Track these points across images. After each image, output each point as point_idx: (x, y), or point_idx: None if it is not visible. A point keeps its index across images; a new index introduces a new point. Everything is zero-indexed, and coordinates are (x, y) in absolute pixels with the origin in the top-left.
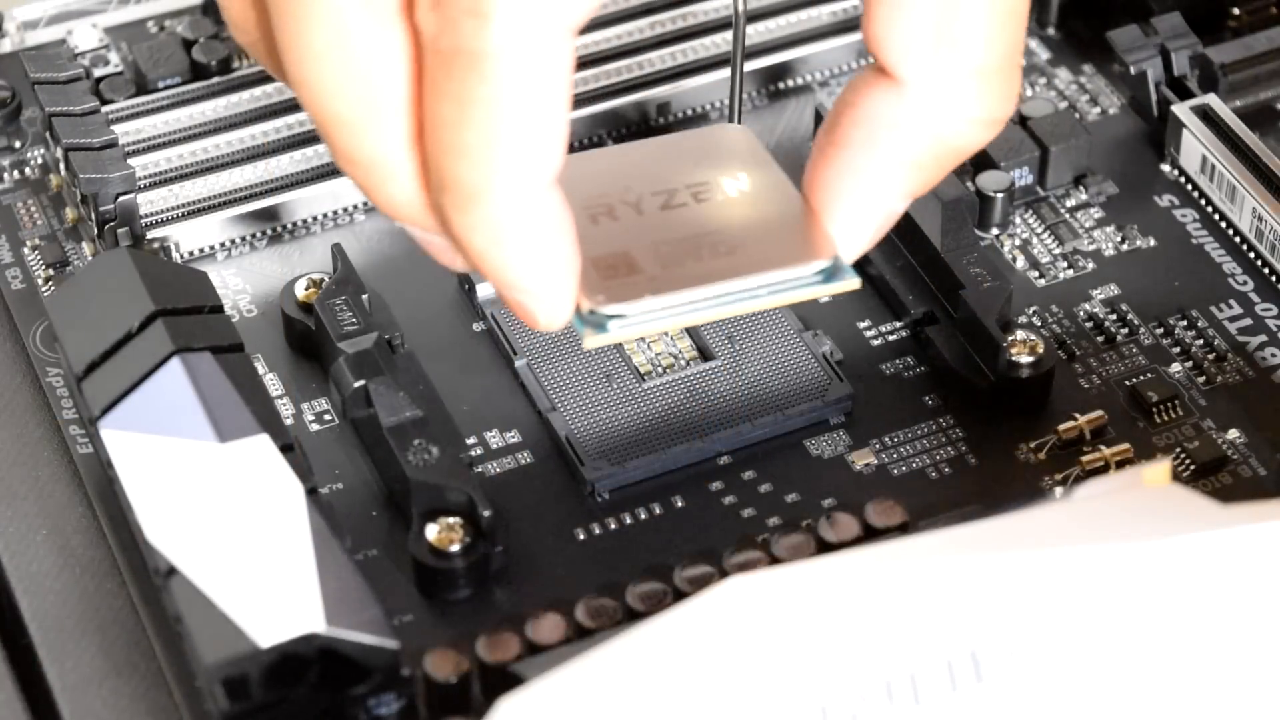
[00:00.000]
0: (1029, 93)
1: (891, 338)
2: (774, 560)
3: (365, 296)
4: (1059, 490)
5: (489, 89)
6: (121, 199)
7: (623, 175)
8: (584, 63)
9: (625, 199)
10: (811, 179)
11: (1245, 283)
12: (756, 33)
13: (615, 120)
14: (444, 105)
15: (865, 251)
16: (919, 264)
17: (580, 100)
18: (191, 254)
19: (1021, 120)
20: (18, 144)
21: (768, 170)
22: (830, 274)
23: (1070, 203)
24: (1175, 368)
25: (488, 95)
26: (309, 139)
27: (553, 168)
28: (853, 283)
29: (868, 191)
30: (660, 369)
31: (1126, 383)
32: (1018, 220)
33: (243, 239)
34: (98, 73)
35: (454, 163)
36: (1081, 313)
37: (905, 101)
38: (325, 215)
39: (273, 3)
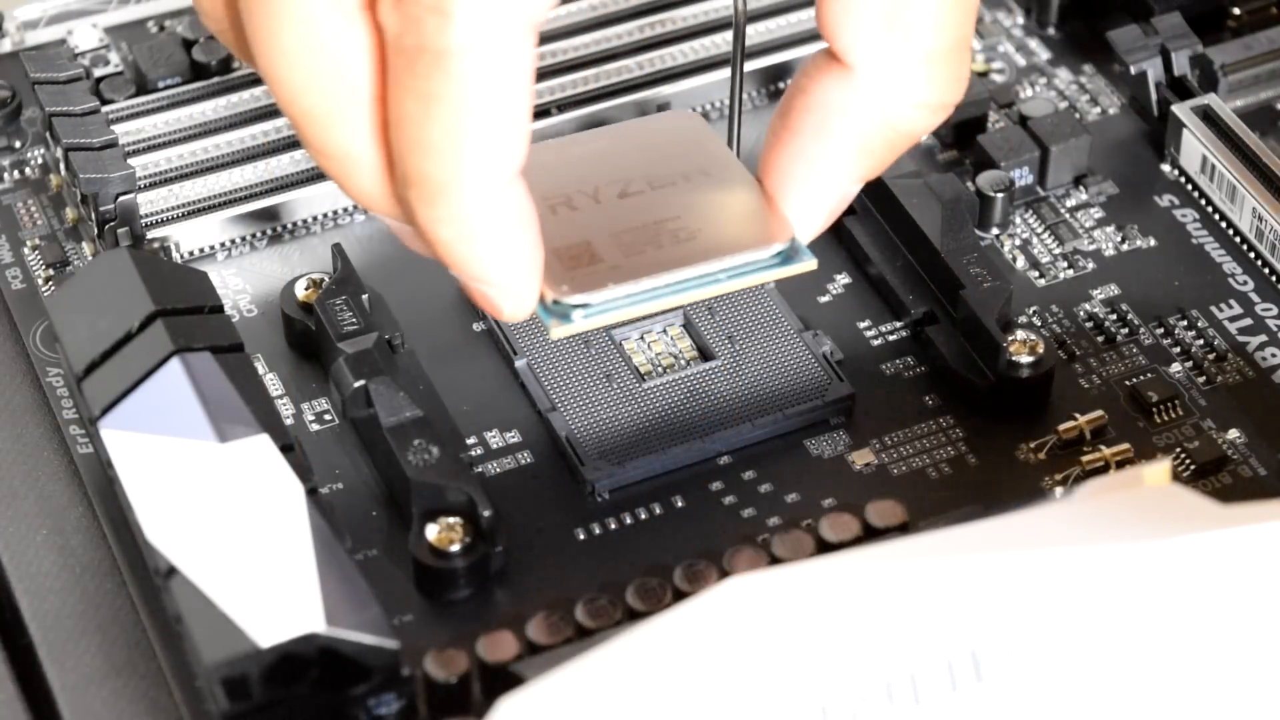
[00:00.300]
0: (1029, 93)
1: (891, 338)
2: (774, 560)
3: (365, 296)
4: (1059, 490)
5: (452, 86)
6: (121, 199)
7: (578, 165)
8: (584, 63)
9: (582, 189)
10: (766, 164)
11: (1245, 283)
12: (756, 33)
13: (616, 119)
14: (408, 101)
15: (820, 233)
16: (919, 264)
17: (580, 100)
18: (191, 254)
19: (1021, 120)
20: (18, 144)
21: (720, 155)
22: (787, 256)
23: (1070, 203)
24: (1175, 368)
25: (451, 92)
26: None
27: (517, 161)
28: (809, 264)
29: (821, 177)
30: (660, 369)
31: (1126, 383)
32: (1018, 220)
33: (243, 239)
34: (98, 73)
35: (420, 158)
36: (1081, 313)
37: (856, 88)
38: (325, 215)
39: (243, 1)
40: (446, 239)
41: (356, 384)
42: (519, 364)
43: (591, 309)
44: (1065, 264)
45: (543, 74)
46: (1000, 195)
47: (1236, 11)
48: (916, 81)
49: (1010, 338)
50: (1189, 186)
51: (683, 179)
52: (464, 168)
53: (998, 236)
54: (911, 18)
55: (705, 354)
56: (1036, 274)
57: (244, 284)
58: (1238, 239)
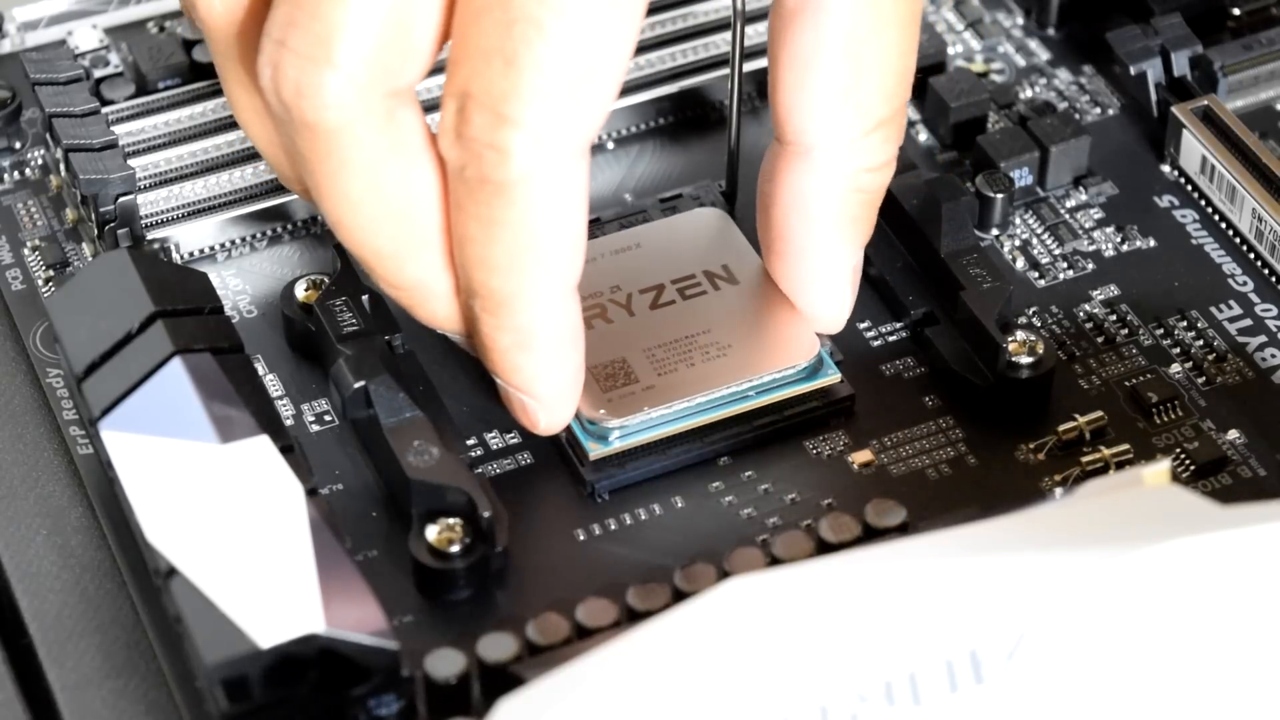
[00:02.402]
0: (1029, 93)
1: (891, 338)
2: (774, 560)
3: (365, 297)
4: (1059, 491)
5: (513, 211)
6: (121, 199)
7: (610, 269)
8: None
9: (616, 299)
10: (773, 271)
11: (1245, 283)
12: (756, 33)
13: (616, 120)
14: (471, 225)
15: (852, 304)
16: (919, 264)
17: None
18: (191, 254)
19: (1021, 120)
20: (18, 144)
21: (744, 257)
22: (813, 370)
23: (1070, 203)
24: (1175, 368)
25: (512, 216)
26: None
27: (575, 275)
28: (834, 377)
29: (825, 262)
30: None
31: (1126, 383)
32: (1018, 220)
33: (243, 239)
34: (98, 73)
35: (484, 275)
36: (1081, 313)
37: (819, 167)
38: None
39: (305, 156)
40: (504, 346)
41: (356, 385)
42: None
43: (628, 430)
44: (1065, 264)
45: None
46: (1000, 196)
47: (1236, 12)
48: (873, 147)
49: (1010, 338)
50: (1189, 187)
51: (711, 286)
52: (525, 283)
53: (998, 237)
54: (863, 94)
55: None
56: (1036, 274)
57: (244, 285)
58: (1237, 239)
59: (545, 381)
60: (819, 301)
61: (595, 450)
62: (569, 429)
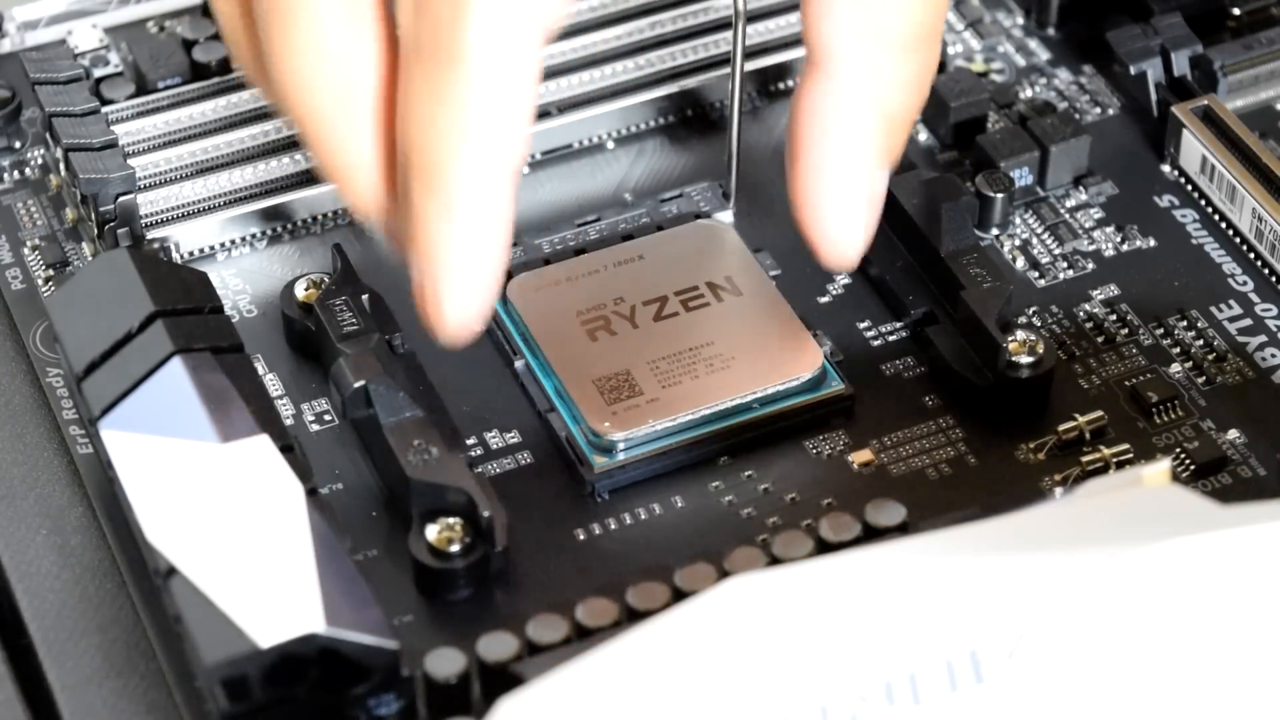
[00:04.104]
0: (1029, 93)
1: (891, 338)
2: (774, 560)
3: (365, 296)
4: (1059, 490)
5: (462, 87)
6: (121, 199)
7: (613, 281)
8: (587, 63)
9: (619, 310)
10: (793, 195)
11: (1245, 283)
12: (756, 33)
13: (616, 120)
14: (419, 98)
15: (869, 239)
16: (919, 264)
17: (583, 101)
18: (191, 254)
19: (1021, 120)
20: (18, 144)
21: (747, 268)
22: (817, 383)
23: (1070, 203)
24: (1175, 368)
25: (460, 92)
26: None
27: (515, 160)
28: (837, 389)
29: (843, 183)
30: None
31: (1126, 383)
32: (1018, 220)
33: (243, 239)
34: (98, 73)
35: (424, 141)
36: (1081, 313)
37: (841, 84)
38: (325, 215)
39: (258, 5)
40: (429, 214)
41: (356, 384)
42: (519, 364)
43: (633, 442)
44: (1065, 264)
45: (543, 74)
46: (1000, 195)
47: (1236, 12)
48: (894, 66)
49: (1010, 338)
50: (1189, 187)
51: (715, 298)
52: (464, 150)
53: (998, 236)
54: (884, 10)
55: None
56: (1036, 274)
57: (244, 284)
58: (1237, 239)
59: (463, 257)
60: (830, 222)
61: (600, 463)
62: (573, 437)
